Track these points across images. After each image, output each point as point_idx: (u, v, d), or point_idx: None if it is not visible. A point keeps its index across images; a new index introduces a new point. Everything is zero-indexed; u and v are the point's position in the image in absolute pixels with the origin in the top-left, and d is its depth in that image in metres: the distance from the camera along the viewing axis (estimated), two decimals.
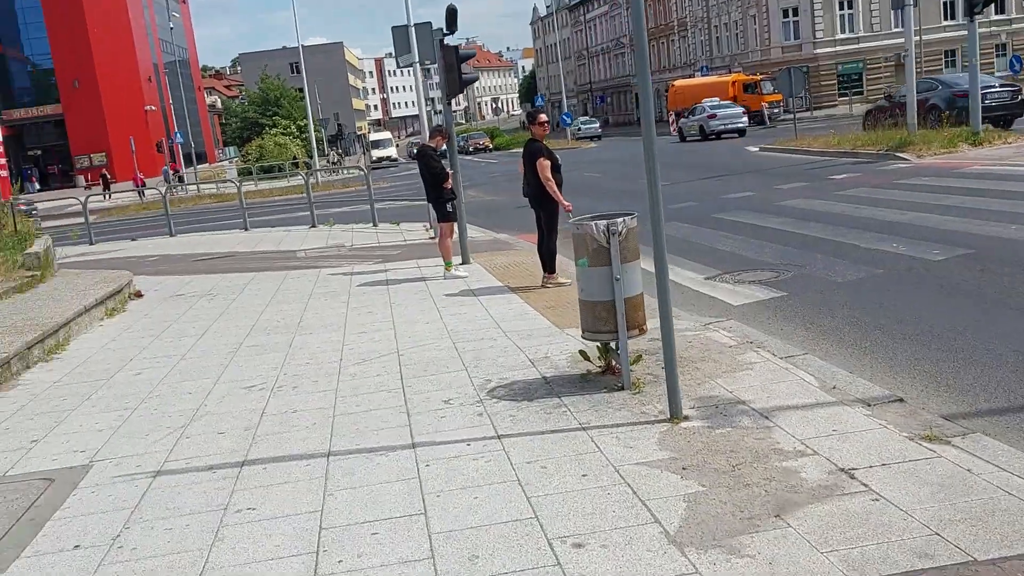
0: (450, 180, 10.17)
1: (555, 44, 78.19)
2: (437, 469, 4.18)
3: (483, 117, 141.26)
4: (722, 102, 40.26)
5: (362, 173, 37.59)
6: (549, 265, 9.01)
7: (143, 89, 67.00)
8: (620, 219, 5.01)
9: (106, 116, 63.44)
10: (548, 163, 8.69)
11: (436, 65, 12.45)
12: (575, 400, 5.01)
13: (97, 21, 63.17)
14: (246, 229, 19.02)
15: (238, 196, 21.52)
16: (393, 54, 14.91)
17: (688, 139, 39.74)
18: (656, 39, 76.01)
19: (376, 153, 52.69)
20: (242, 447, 4.79)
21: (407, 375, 5.98)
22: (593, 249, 5.03)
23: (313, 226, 18.09)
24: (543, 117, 9.04)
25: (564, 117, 53.61)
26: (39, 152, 65.84)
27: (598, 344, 5.37)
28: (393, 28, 14.00)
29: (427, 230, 15.25)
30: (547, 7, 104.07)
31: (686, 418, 4.55)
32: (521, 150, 9.35)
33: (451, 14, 10.89)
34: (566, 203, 8.70)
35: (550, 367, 5.79)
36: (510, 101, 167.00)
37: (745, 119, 38.21)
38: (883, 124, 22.98)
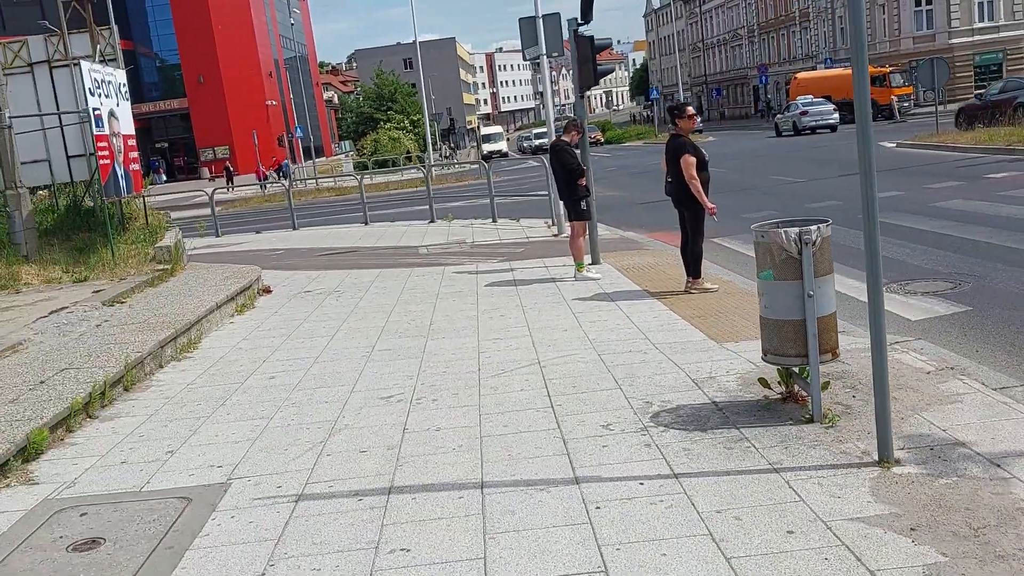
0: (585, 176, 9.64)
1: (669, 36, 76.69)
2: (610, 514, 3.66)
3: (592, 110, 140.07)
4: (814, 99, 41.41)
5: (474, 167, 37.67)
6: (694, 269, 8.37)
7: (264, 84, 69.05)
8: (813, 226, 4.37)
9: (229, 110, 65.67)
10: (694, 160, 8.07)
11: (564, 57, 11.95)
12: (757, 433, 4.40)
13: (221, 19, 65.42)
14: (367, 223, 18.99)
15: (358, 190, 21.57)
16: (519, 46, 14.51)
17: (783, 134, 41.15)
18: (776, 31, 73.44)
19: (487, 147, 52.70)
20: (387, 470, 4.39)
21: (554, 391, 5.49)
22: (781, 260, 4.40)
23: (432, 221, 17.89)
24: (691, 110, 8.43)
25: None
26: (166, 144, 68.74)
27: (779, 368, 4.74)
28: (520, 20, 13.57)
29: (549, 227, 14.78)
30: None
31: (898, 462, 3.89)
32: (664, 145, 8.75)
33: (587, 2, 10.35)
34: (710, 204, 8.07)
35: (718, 390, 5.19)
36: (620, 95, 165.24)
37: (836, 116, 38.92)
38: (981, 123, 22.63)
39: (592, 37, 10.29)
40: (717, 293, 8.16)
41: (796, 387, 4.73)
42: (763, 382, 4.89)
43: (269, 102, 68.06)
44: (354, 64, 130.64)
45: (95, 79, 11.26)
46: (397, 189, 34.81)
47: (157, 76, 68.81)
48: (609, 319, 7.51)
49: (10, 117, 11.19)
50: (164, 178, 60.23)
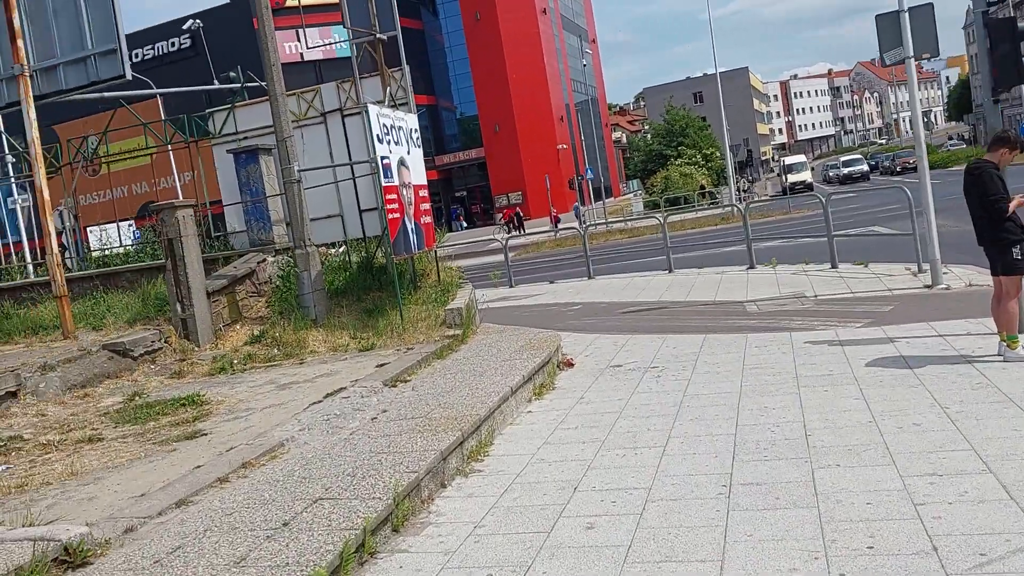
0: (1012, 207, 6.71)
1: None
2: None
3: (899, 134, 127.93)
4: None
5: (768, 200, 34.14)
6: None
7: (556, 129, 69.91)
8: None
9: (522, 156, 67.11)
10: None
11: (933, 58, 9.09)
12: None
13: (516, 68, 67.27)
14: (671, 271, 16.81)
15: (653, 231, 19.49)
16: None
17: None
18: None
19: (791, 178, 48.48)
20: None
21: None
22: None
23: (752, 267, 15.28)
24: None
25: None
26: (464, 193, 71.70)
27: None
28: (878, 17, 10.79)
29: (915, 275, 11.65)
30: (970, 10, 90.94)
31: None
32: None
33: None
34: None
35: None
36: (933, 116, 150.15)
37: None
38: None
39: (1013, 19, 7.36)
40: None
41: None
42: None
43: (560, 146, 68.67)
44: (642, 103, 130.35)
45: (384, 124, 10.18)
46: (693, 228, 32.33)
47: (457, 128, 72.20)
48: None
49: (299, 171, 10.41)
50: (464, 224, 62.66)
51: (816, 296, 11.22)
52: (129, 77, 10.43)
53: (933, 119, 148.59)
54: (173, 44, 57.58)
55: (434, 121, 70.70)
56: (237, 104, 12.55)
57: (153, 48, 57.97)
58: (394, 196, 10.21)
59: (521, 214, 52.37)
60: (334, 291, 11.18)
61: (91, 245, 18.75)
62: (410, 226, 10.68)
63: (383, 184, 9.93)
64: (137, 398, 8.52)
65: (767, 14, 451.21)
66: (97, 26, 10.46)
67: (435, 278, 11.85)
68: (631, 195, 79.83)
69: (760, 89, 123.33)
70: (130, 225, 22.77)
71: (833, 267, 13.53)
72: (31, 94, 10.68)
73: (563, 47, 77.72)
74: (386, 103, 10.74)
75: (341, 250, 12.89)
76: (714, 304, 11.89)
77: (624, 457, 5.51)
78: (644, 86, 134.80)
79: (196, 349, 10.30)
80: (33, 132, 10.74)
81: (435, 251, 11.82)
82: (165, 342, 10.33)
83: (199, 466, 5.68)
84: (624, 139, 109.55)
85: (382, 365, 8.40)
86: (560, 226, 46.12)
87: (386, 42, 11.43)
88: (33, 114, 10.78)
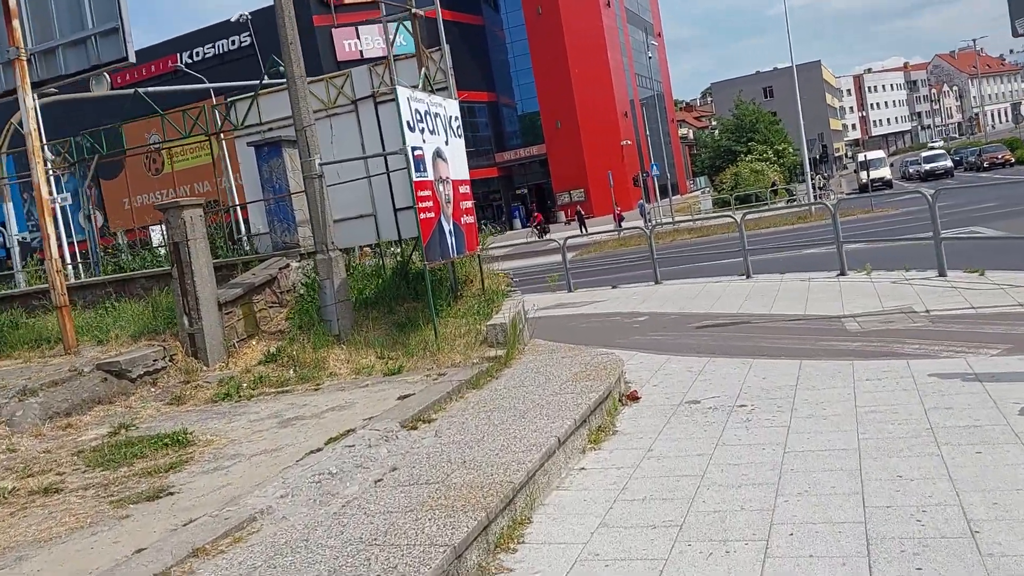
0: None
1: None
2: None
3: (981, 129, 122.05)
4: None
5: (857, 197, 31.76)
6: None
7: (620, 124, 67.93)
8: None
9: (584, 153, 65.33)
10: None
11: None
12: None
13: (579, 62, 65.51)
14: (748, 276, 15.04)
15: (726, 230, 17.70)
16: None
17: None
18: None
19: (872, 175, 45.58)
20: None
21: None
22: None
23: (843, 273, 13.42)
24: None
25: None
26: (525, 190, 70.21)
27: None
28: None
29: None
30: None
31: None
32: None
33: None
34: None
35: None
36: (1006, 112, 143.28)
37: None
38: None
39: None
40: None
41: None
42: None
43: (624, 142, 66.68)
44: (709, 98, 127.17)
45: (416, 110, 8.75)
46: (767, 228, 30.24)
47: (518, 124, 70.74)
48: None
49: (321, 164, 9.03)
50: (527, 222, 61.14)
51: (929, 311, 9.41)
52: (133, 60, 9.23)
53: (1000, 115, 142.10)
54: (233, 43, 57.38)
55: (494, 118, 69.39)
56: (261, 92, 11.26)
57: (214, 47, 57.87)
58: (428, 193, 8.76)
59: (583, 212, 50.60)
60: (363, 301, 9.80)
61: (152, 243, 17.91)
62: (448, 228, 9.22)
63: (415, 179, 8.49)
64: (123, 431, 7.26)
65: (839, 6, 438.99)
66: (97, 2, 9.25)
67: (479, 286, 10.38)
68: (699, 192, 77.40)
69: (833, 83, 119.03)
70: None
71: (941, 275, 11.63)
72: (28, 80, 9.55)
73: (627, 41, 75.61)
74: (421, 86, 9.29)
75: (367, 250, 11.55)
76: (805, 319, 10.16)
77: (711, 559, 3.93)
78: (711, 81, 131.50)
79: (204, 369, 9.03)
80: (30, 123, 9.60)
81: (479, 255, 10.33)
82: (170, 360, 9.08)
83: (141, 549, 4.31)
84: (691, 135, 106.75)
85: (405, 397, 6.95)
86: (624, 224, 44.28)
87: (423, 19, 10.01)
88: (31, 101, 9.66)
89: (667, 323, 11.39)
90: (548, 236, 40.64)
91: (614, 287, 16.97)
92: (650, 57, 59.69)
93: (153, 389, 8.71)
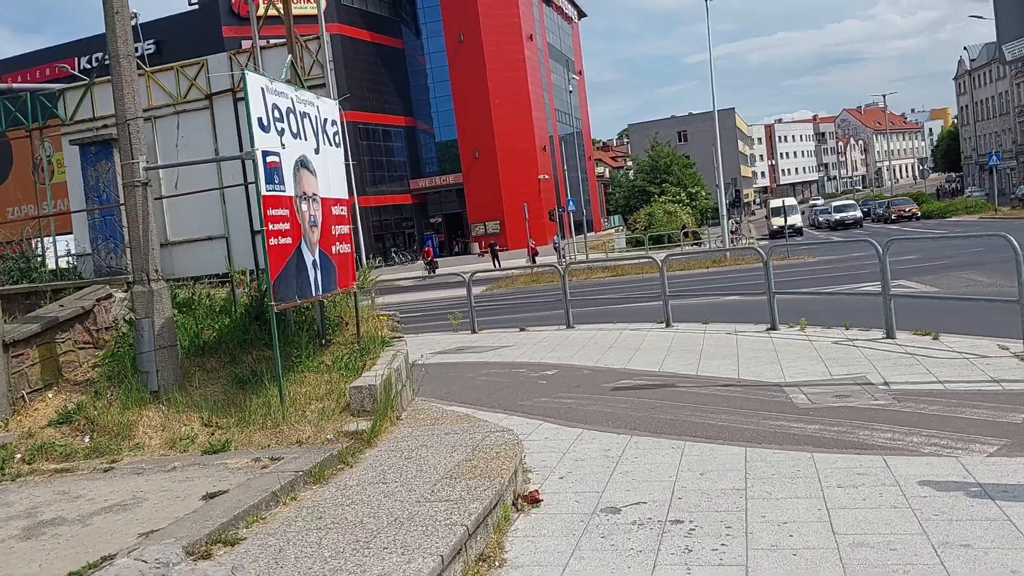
0: None
1: (989, 99, 65.60)
2: None
3: (880, 184, 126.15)
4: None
5: (758, 247, 31.01)
6: None
7: (538, 158, 66.98)
8: None
9: (501, 184, 64.07)
10: None
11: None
12: None
13: (499, 93, 64.42)
14: (668, 324, 13.50)
15: (646, 270, 16.22)
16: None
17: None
18: None
19: (782, 221, 45.40)
20: None
21: None
22: None
23: (773, 327, 11.97)
24: None
25: None
26: (439, 219, 68.40)
27: None
28: None
29: (1020, 358, 8.38)
30: (971, 60, 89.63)
31: None
32: None
33: None
34: None
35: None
36: (907, 167, 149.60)
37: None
38: None
39: None
40: None
41: None
42: None
43: (542, 176, 65.75)
44: (625, 139, 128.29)
45: (275, 105, 6.83)
46: (681, 270, 29.09)
47: (435, 151, 69.06)
48: None
49: (145, 169, 6.99)
50: (438, 252, 59.15)
51: (888, 384, 7.90)
52: None
53: (904, 170, 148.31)
54: (136, 50, 54.11)
55: (411, 143, 67.59)
56: (97, 80, 9.12)
57: None
58: (284, 212, 6.81)
59: (496, 245, 48.97)
60: (200, 347, 7.73)
61: None
62: (311, 258, 7.27)
63: (264, 192, 6.52)
64: None
65: (751, 60, 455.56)
66: None
67: (355, 331, 8.43)
68: (612, 230, 76.94)
69: (745, 131, 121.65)
70: None
71: (889, 336, 10.25)
72: None
73: (548, 76, 75.04)
74: (286, 77, 7.37)
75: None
76: (740, 386, 8.54)
77: None
78: (628, 123, 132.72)
79: None
80: None
81: (355, 293, 8.39)
82: None
83: None
84: (607, 174, 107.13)
85: (214, 496, 4.95)
86: (538, 260, 42.85)
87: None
88: None
89: (580, 380, 9.65)
90: (439, 272, 39.04)
91: (522, 329, 15.23)
92: (571, 91, 58.92)
93: None
